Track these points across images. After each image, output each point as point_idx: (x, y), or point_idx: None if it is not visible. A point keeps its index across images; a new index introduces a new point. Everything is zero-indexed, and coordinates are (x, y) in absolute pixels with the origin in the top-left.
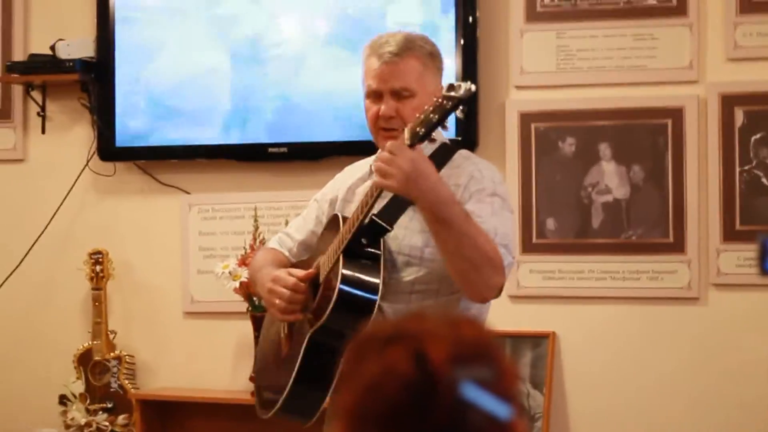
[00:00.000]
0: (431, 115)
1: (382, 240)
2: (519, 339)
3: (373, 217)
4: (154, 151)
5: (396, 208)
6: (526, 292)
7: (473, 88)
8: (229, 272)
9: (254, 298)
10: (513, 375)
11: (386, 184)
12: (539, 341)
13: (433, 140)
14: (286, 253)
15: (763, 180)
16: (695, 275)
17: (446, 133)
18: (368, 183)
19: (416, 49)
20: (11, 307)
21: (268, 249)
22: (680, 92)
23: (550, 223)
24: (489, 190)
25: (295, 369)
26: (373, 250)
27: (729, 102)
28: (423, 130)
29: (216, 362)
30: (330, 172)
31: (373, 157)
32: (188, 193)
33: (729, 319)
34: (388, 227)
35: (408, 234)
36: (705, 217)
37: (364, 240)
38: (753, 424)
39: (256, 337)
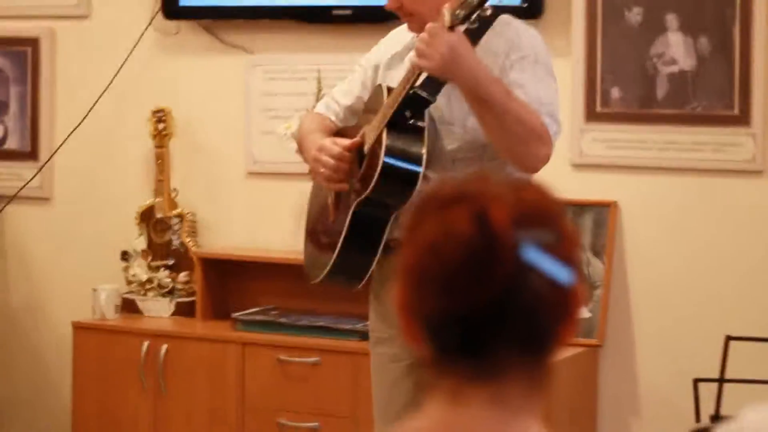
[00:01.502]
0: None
1: (426, 111)
2: (581, 207)
3: (416, 89)
4: (218, 11)
5: (437, 80)
6: (589, 161)
7: None
8: (292, 133)
9: None
10: (574, 240)
11: (425, 66)
12: (601, 210)
13: (476, 20)
14: (333, 118)
15: None
16: (760, 148)
17: (511, 1)
18: (414, 51)
19: None
20: (75, 163)
21: (314, 114)
22: None
23: (615, 92)
24: (531, 57)
25: (342, 237)
26: (416, 122)
27: None
28: (462, 12)
29: (277, 222)
30: None
31: None
32: (252, 53)
33: None
34: (431, 99)
35: (451, 103)
36: None
37: (408, 112)
38: None
39: None
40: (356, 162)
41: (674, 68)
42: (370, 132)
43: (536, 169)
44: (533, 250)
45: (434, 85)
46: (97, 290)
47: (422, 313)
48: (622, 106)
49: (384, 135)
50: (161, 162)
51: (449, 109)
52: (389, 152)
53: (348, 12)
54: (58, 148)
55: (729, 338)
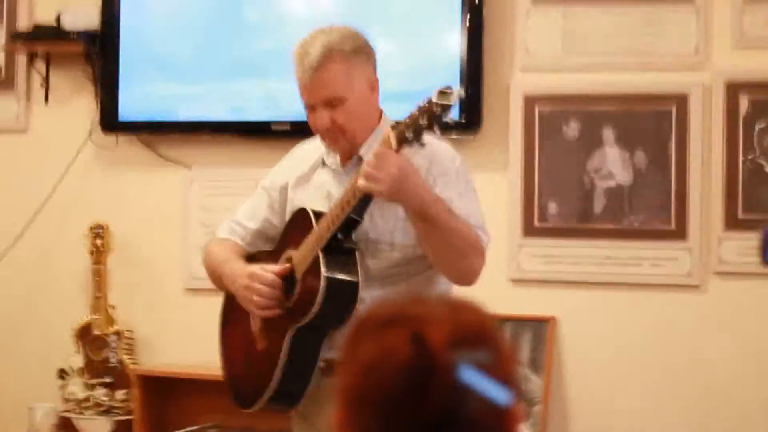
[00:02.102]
0: (420, 120)
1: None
2: (519, 323)
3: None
4: (156, 125)
5: (364, 201)
6: (527, 276)
7: (463, 93)
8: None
9: None
10: (512, 360)
11: (375, 189)
12: (539, 325)
13: (422, 145)
14: (240, 242)
15: (767, 169)
16: (696, 263)
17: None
18: (320, 172)
19: (336, 53)
20: (11, 279)
21: (222, 240)
22: (686, 79)
23: (552, 207)
24: (452, 171)
25: (281, 364)
26: (348, 244)
27: (734, 89)
28: (411, 135)
29: (215, 339)
30: None
31: (319, 142)
32: (189, 168)
33: (730, 308)
34: (360, 219)
35: (374, 221)
36: (707, 204)
37: (340, 235)
38: (753, 412)
39: None
40: (283, 288)
41: (611, 182)
42: (300, 257)
43: (471, 283)
44: (471, 371)
45: (362, 205)
46: (33, 408)
47: None
48: (560, 220)
49: (321, 259)
50: (99, 279)
51: (374, 227)
52: (329, 276)
53: (286, 127)
54: None
55: None
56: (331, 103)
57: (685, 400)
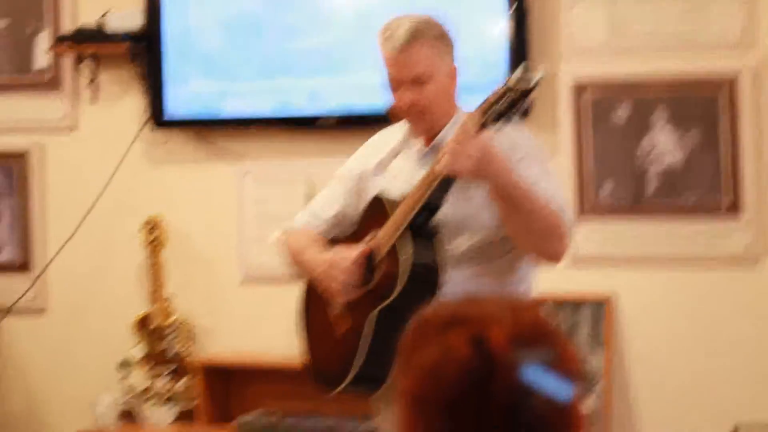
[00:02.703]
0: (498, 104)
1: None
2: (577, 303)
3: (429, 195)
4: (203, 121)
5: (444, 185)
6: (584, 256)
7: (543, 75)
8: (279, 250)
9: None
10: (573, 357)
11: (458, 168)
12: (598, 305)
13: (500, 129)
14: (316, 232)
15: None
16: (752, 238)
17: None
18: (401, 156)
19: (423, 36)
20: (69, 276)
21: (300, 231)
22: (734, 61)
23: (606, 189)
24: (533, 155)
25: (367, 346)
26: (430, 228)
27: None
28: (491, 118)
29: (273, 327)
30: None
31: (398, 127)
32: (243, 160)
33: None
34: (440, 203)
35: (456, 204)
36: (761, 180)
37: (420, 219)
38: None
39: None
40: (363, 273)
41: (664, 164)
42: (380, 242)
43: (558, 261)
44: (532, 371)
45: (443, 189)
46: (95, 401)
47: None
48: (614, 201)
49: (405, 243)
50: (154, 271)
51: (454, 210)
52: (413, 259)
53: (333, 121)
54: (52, 260)
55: (737, 427)
56: (419, 80)
57: (743, 375)
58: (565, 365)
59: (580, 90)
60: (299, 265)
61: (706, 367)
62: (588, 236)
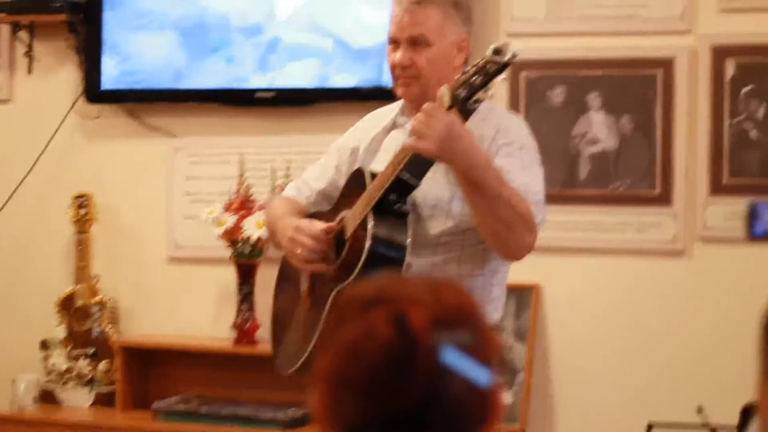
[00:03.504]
0: (473, 77)
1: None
2: None
3: (402, 174)
4: (140, 94)
5: (423, 163)
6: None
7: (518, 52)
8: (215, 218)
9: (238, 245)
10: (493, 341)
11: (421, 147)
12: (523, 293)
13: (476, 101)
14: (304, 202)
15: (752, 133)
16: (681, 228)
17: None
18: (393, 134)
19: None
20: None
21: (284, 197)
22: (671, 43)
23: None
24: (517, 143)
25: (320, 325)
26: (401, 208)
27: (720, 53)
28: (464, 92)
29: (199, 309)
30: (317, 117)
31: (395, 105)
32: (174, 136)
33: (714, 274)
34: (417, 183)
35: (433, 187)
36: (693, 169)
37: (393, 197)
38: (736, 379)
39: (240, 285)
40: (333, 248)
41: (597, 148)
42: (351, 217)
43: (520, 257)
44: (453, 353)
45: (420, 168)
46: (16, 380)
47: (342, 419)
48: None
49: (369, 220)
50: (82, 248)
51: (430, 192)
52: (375, 238)
53: (271, 94)
54: None
55: (651, 425)
56: (417, 42)
57: (667, 365)
58: (486, 350)
59: (516, 68)
60: (274, 233)
61: (628, 361)
62: None
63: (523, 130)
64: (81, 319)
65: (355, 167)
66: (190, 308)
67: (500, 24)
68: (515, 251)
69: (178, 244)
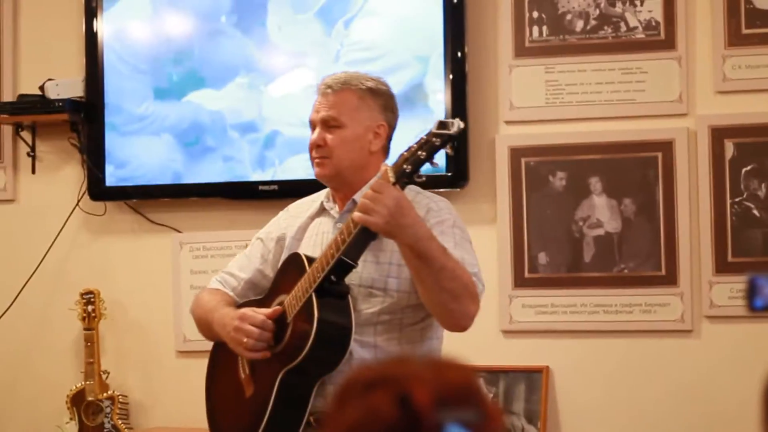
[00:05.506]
0: (418, 152)
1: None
2: (512, 374)
3: (341, 255)
4: (144, 191)
5: (359, 244)
6: (519, 327)
7: (462, 125)
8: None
9: None
10: (497, 417)
11: (370, 221)
12: (533, 376)
13: (420, 177)
14: (231, 293)
15: (754, 211)
16: (688, 308)
17: (436, 170)
18: (319, 220)
19: (354, 84)
20: (4, 348)
21: (212, 290)
22: (670, 125)
23: (542, 258)
24: (449, 221)
25: (269, 410)
26: (341, 289)
27: (718, 134)
28: (409, 167)
29: None
30: None
31: (317, 195)
32: (179, 231)
33: (722, 352)
34: (354, 264)
35: (368, 266)
36: (697, 249)
37: (333, 278)
38: None
39: None
40: (273, 332)
41: (600, 231)
42: (291, 300)
43: (465, 327)
44: (457, 431)
45: (357, 249)
46: None
47: None
48: (550, 270)
49: (314, 301)
50: (90, 344)
51: (368, 272)
52: (321, 319)
53: (274, 187)
54: None
55: None
56: (329, 123)
57: None
58: (490, 426)
59: (517, 155)
60: (208, 325)
61: None
62: (523, 307)
63: (450, 208)
64: (92, 414)
65: (284, 254)
66: (200, 401)
67: (499, 112)
68: (461, 321)
69: (186, 337)
